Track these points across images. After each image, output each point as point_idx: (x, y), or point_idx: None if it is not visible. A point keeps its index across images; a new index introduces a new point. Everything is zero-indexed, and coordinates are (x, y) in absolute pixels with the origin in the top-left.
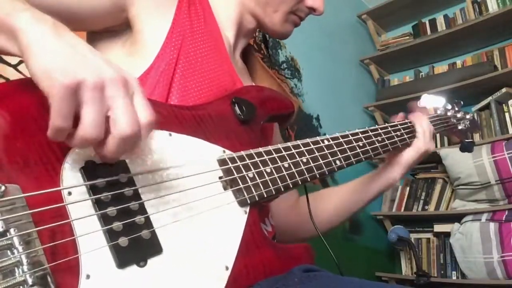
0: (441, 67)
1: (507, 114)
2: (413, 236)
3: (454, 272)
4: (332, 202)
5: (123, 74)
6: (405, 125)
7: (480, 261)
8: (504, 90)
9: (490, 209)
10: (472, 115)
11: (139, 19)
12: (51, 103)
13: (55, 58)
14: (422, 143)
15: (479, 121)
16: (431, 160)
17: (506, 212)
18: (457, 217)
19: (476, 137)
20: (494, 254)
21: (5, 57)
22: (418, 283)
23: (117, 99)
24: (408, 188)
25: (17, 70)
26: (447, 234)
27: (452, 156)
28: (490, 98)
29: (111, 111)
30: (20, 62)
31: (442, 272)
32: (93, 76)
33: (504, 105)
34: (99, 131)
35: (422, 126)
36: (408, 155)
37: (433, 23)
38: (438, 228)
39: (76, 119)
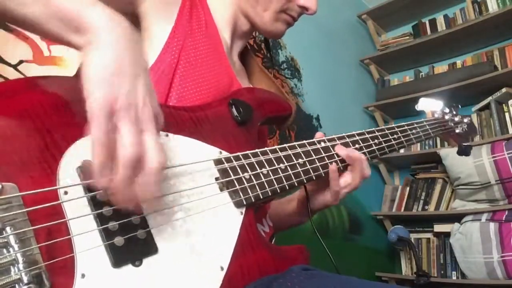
0: (441, 67)
1: (507, 114)
2: (413, 236)
3: (454, 272)
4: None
5: (157, 111)
6: (402, 129)
7: (480, 261)
8: (504, 90)
9: (490, 209)
10: (470, 119)
11: (147, 17)
12: (90, 115)
13: (112, 70)
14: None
15: (479, 121)
16: (431, 160)
17: (506, 212)
18: (457, 217)
19: (476, 137)
20: (494, 254)
21: (5, 57)
22: (418, 283)
23: (148, 129)
24: (408, 188)
25: (17, 70)
26: (447, 234)
27: (452, 156)
28: (490, 98)
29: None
30: (20, 62)
31: (442, 272)
32: (129, 99)
33: (504, 105)
34: (139, 150)
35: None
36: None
37: (433, 23)
38: (438, 228)
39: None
